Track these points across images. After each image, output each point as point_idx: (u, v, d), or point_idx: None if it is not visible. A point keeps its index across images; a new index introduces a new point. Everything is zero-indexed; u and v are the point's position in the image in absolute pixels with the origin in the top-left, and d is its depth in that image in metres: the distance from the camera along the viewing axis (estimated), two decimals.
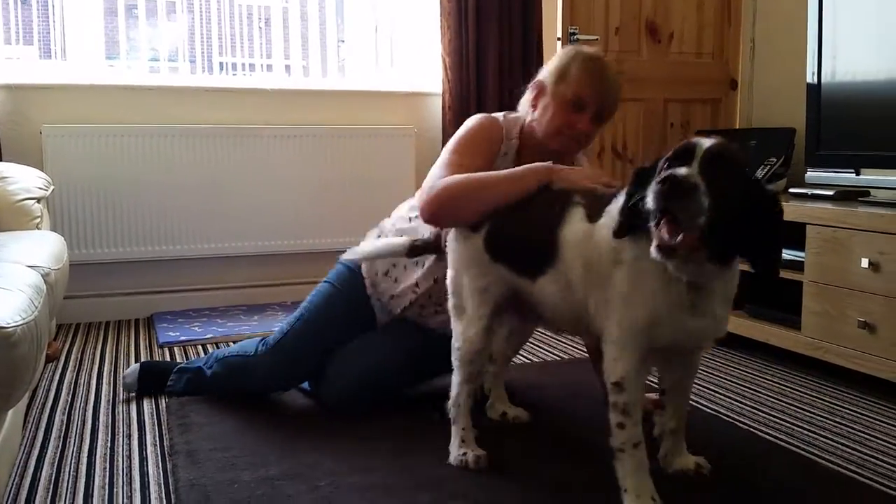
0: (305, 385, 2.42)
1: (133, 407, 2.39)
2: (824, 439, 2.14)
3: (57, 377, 2.72)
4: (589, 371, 2.29)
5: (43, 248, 2.34)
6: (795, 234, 2.72)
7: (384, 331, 2.35)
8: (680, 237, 1.40)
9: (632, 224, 1.53)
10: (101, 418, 2.30)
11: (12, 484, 1.84)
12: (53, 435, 2.17)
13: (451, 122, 3.76)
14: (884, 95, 2.76)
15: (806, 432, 2.20)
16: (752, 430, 2.21)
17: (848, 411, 2.37)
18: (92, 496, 1.79)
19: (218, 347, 3.04)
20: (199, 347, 3.11)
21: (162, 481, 1.87)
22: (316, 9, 4.28)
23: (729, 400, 2.47)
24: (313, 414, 2.29)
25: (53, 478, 1.89)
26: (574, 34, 3.68)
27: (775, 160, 3.33)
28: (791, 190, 3.13)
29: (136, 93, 3.66)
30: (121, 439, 2.13)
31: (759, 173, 3.31)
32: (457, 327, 1.94)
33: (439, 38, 3.89)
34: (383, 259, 2.28)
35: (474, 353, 1.90)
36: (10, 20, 3.73)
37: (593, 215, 1.66)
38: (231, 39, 4.45)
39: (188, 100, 3.73)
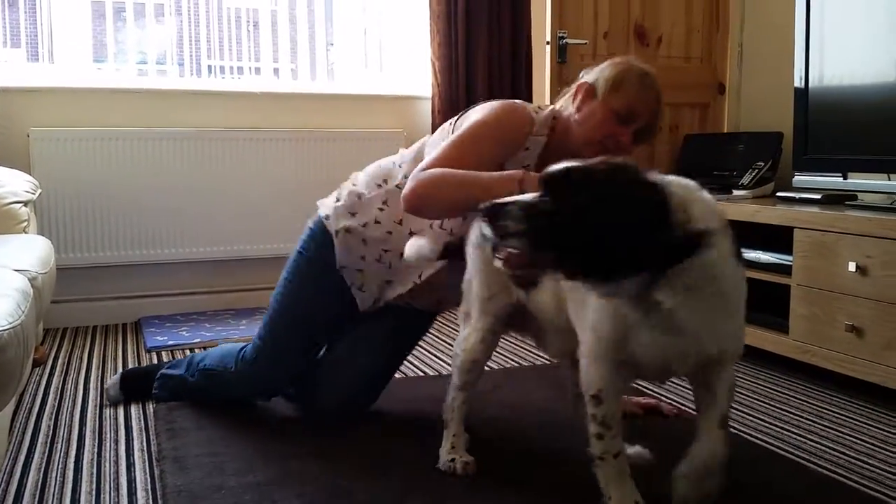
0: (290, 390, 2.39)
1: (120, 412, 2.37)
2: (812, 442, 2.15)
3: (44, 382, 2.70)
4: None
5: (30, 251, 2.33)
6: (783, 238, 2.73)
7: (368, 326, 2.26)
8: (503, 256, 1.41)
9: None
10: (88, 424, 2.29)
11: None
12: (40, 440, 2.16)
13: (441, 126, 3.75)
14: (871, 100, 2.78)
15: (793, 435, 2.20)
16: (739, 433, 2.21)
17: (835, 415, 2.38)
18: (79, 502, 1.78)
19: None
20: (187, 352, 3.09)
21: (149, 487, 1.86)
22: (305, 12, 4.28)
23: None
24: (300, 419, 2.29)
25: (40, 484, 1.87)
26: (563, 38, 3.69)
27: (763, 164, 3.35)
28: (779, 194, 3.14)
29: (124, 96, 3.64)
30: (108, 445, 2.12)
31: (747, 178, 3.33)
32: (461, 333, 1.94)
33: (429, 41, 3.89)
34: (374, 246, 2.16)
35: (471, 363, 1.90)
36: None
37: None
38: (219, 42, 4.44)
39: (176, 103, 3.72)
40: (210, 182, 3.70)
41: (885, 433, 2.23)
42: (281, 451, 2.03)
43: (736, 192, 3.31)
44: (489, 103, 2.06)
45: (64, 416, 2.35)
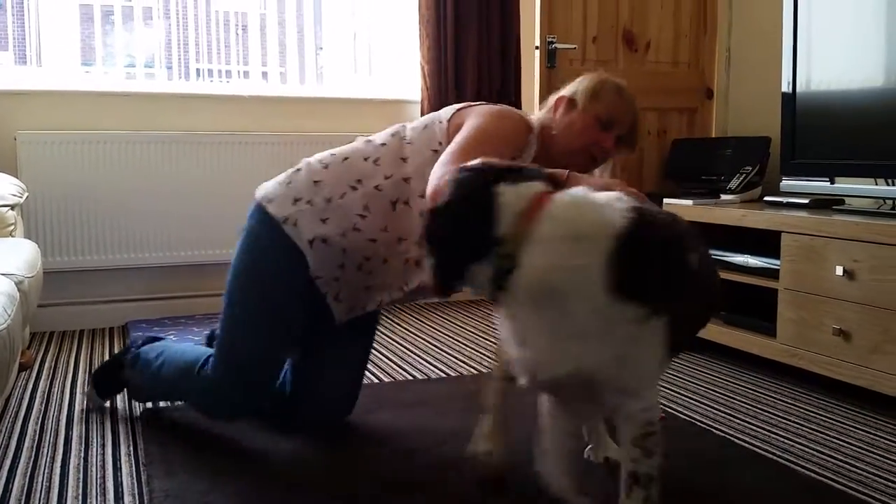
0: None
1: (107, 416, 2.36)
2: (799, 446, 2.16)
3: (30, 386, 2.68)
4: None
5: (16, 255, 2.32)
6: (771, 242, 2.74)
7: (335, 336, 2.17)
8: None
9: None
10: (75, 428, 2.27)
11: None
12: (26, 445, 2.14)
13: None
14: (858, 105, 2.79)
15: (781, 439, 2.21)
16: (726, 436, 2.22)
17: (823, 418, 2.39)
18: None
19: None
20: None
21: (136, 492, 1.85)
22: (294, 15, 4.28)
23: (703, 406, 2.48)
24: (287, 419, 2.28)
25: (26, 489, 1.86)
26: (552, 43, 3.70)
27: (750, 169, 3.36)
28: (766, 198, 3.15)
29: (112, 99, 3.63)
30: (94, 449, 2.11)
31: (735, 182, 3.34)
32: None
33: (418, 45, 3.89)
34: (354, 255, 2.03)
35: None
36: None
37: None
38: (208, 46, 4.44)
39: (164, 106, 3.71)
40: (198, 186, 3.69)
41: (872, 436, 2.24)
42: (269, 451, 2.03)
43: (724, 197, 3.32)
44: (487, 106, 2.07)
45: (50, 421, 2.34)
